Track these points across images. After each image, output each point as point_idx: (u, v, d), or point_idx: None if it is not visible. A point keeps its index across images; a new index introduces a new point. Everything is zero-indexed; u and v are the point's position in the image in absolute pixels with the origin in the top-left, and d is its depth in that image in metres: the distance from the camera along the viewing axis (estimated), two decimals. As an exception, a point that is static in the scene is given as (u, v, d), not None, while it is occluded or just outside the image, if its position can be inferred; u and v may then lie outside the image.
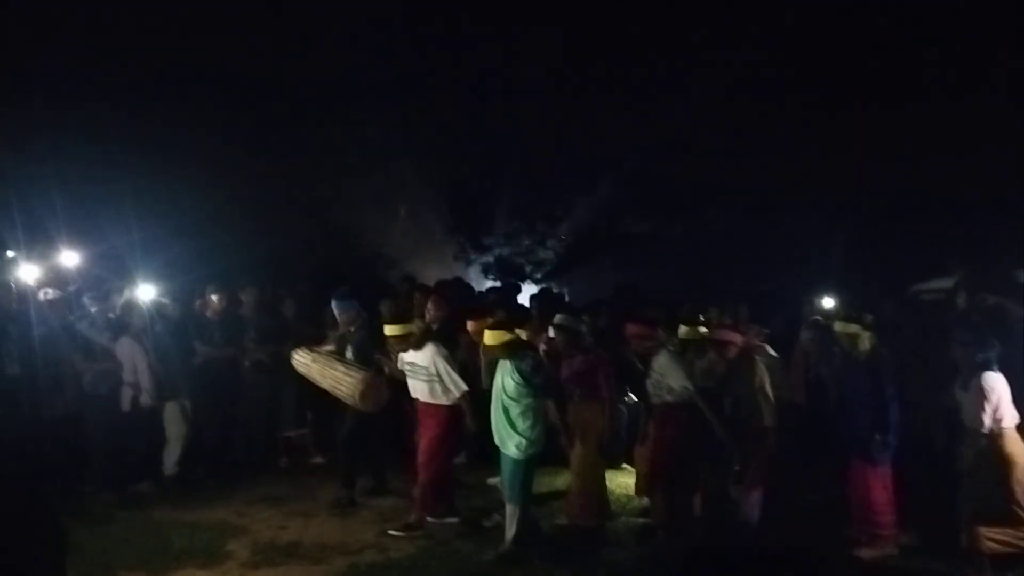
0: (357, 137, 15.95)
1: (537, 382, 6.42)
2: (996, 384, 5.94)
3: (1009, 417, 5.95)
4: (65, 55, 12.97)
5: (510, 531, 6.48)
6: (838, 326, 6.98)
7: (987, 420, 5.92)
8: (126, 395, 8.19)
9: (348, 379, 7.54)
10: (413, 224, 17.78)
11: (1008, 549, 5.88)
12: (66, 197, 11.52)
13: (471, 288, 13.14)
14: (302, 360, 8.07)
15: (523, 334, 6.86)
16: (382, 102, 15.47)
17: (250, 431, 9.33)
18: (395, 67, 15.38)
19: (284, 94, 14.84)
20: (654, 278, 14.37)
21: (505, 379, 6.50)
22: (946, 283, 8.48)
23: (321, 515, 7.64)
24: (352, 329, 8.11)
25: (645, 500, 7.48)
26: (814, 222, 14.08)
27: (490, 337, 6.55)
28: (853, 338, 6.73)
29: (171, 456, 8.62)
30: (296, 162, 15.54)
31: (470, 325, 7.99)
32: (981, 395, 5.94)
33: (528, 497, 6.58)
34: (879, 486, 6.50)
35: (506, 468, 6.55)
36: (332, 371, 7.76)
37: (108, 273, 9.48)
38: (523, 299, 12.81)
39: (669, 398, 6.77)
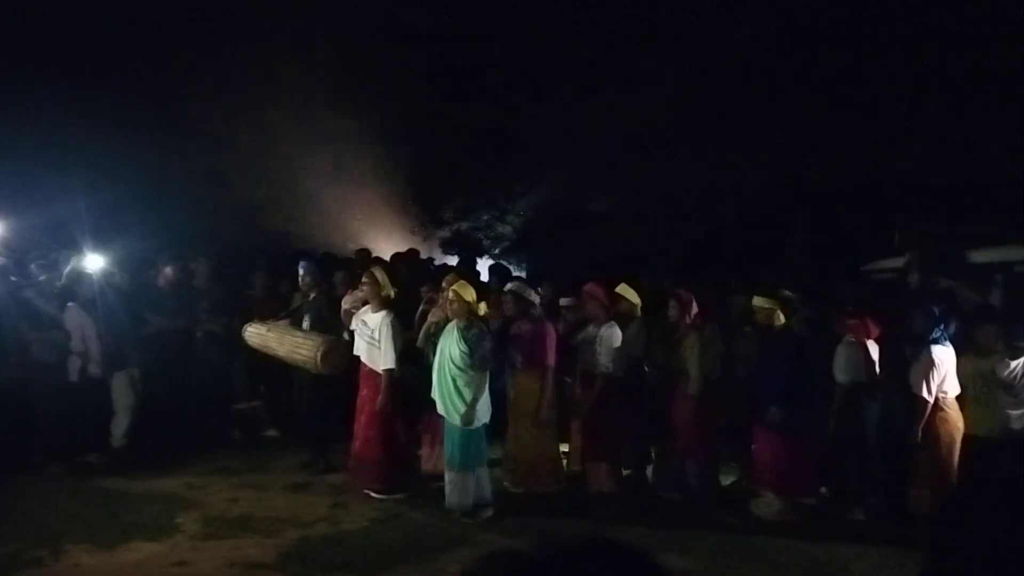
0: (313, 108, 15.71)
1: (480, 353, 6.61)
2: (945, 357, 6.36)
3: (952, 389, 6.41)
4: (6, 25, 12.58)
5: (454, 499, 6.68)
6: (756, 300, 7.21)
7: (932, 390, 6.34)
8: (74, 365, 8.04)
9: (309, 342, 7.53)
10: (372, 197, 17.63)
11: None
12: (9, 165, 11.24)
13: (426, 260, 13.04)
14: (255, 332, 8.03)
15: (482, 308, 6.93)
16: (339, 72, 15.25)
17: (202, 403, 9.19)
18: (353, 36, 15.17)
19: (241, 63, 14.58)
20: (613, 255, 14.40)
21: (451, 346, 6.66)
22: (898, 263, 8.58)
23: (274, 488, 7.57)
24: (311, 296, 8.12)
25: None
26: (775, 201, 14.20)
27: (461, 288, 6.70)
28: (769, 312, 7.04)
29: (120, 427, 8.50)
30: (252, 131, 15.30)
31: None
32: (929, 366, 6.34)
33: (477, 464, 6.74)
34: (781, 451, 6.87)
35: (452, 437, 6.72)
36: (290, 337, 7.74)
37: (55, 242, 9.26)
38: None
39: (607, 369, 6.97)
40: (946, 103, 12.30)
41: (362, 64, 15.44)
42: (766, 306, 7.09)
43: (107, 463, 8.13)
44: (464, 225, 17.84)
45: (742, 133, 14.44)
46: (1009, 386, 6.38)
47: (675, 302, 7.32)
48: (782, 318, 7.03)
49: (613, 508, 6.94)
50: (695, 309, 7.28)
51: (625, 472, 7.86)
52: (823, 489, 7.46)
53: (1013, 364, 6.36)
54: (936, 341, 6.41)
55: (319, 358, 7.35)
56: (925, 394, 6.38)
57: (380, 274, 7.29)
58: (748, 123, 14.32)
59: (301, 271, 8.26)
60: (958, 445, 6.45)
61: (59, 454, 7.88)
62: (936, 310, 6.58)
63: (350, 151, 16.48)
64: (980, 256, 7.87)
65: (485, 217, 17.82)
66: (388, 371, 7.08)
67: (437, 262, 14.17)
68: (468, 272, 10.58)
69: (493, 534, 6.45)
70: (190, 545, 6.14)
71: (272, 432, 9.42)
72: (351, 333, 7.53)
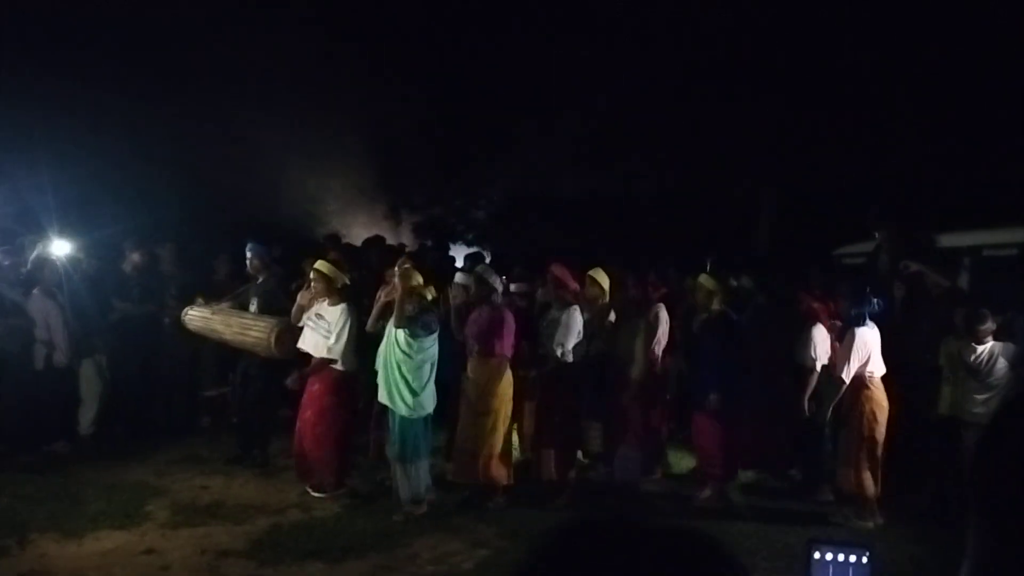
0: (283, 91, 15.56)
1: (421, 321, 6.47)
2: (866, 338, 6.51)
3: (878, 369, 6.59)
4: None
5: (404, 491, 6.52)
6: (702, 278, 7.26)
7: (852, 370, 6.50)
8: (39, 353, 7.92)
9: (261, 323, 7.31)
10: (343, 182, 17.52)
11: (863, 491, 6.60)
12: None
13: (394, 247, 12.93)
14: (198, 315, 7.80)
15: (430, 292, 6.82)
16: (310, 58, 15.11)
17: (170, 390, 9.12)
18: (324, 22, 15.03)
19: (210, 50, 14.39)
20: (587, 241, 14.41)
21: (396, 330, 6.52)
22: (870, 247, 8.63)
23: (243, 475, 7.52)
24: (260, 279, 7.88)
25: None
26: (746, 186, 14.25)
27: (404, 274, 6.60)
28: (709, 294, 7.08)
29: (87, 415, 8.42)
30: (220, 118, 15.11)
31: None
32: (850, 348, 6.49)
33: (417, 456, 6.58)
34: (714, 435, 6.99)
35: (396, 426, 6.56)
36: (238, 319, 7.52)
37: (20, 227, 9.10)
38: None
39: (562, 354, 6.97)
40: (919, 88, 12.36)
41: (334, 50, 15.30)
42: (709, 287, 7.11)
43: (74, 451, 8.05)
44: (437, 210, 17.77)
45: (714, 118, 14.46)
46: (975, 371, 6.47)
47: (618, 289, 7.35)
48: (718, 304, 7.08)
49: (566, 495, 7.00)
50: (634, 293, 7.37)
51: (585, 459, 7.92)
52: (792, 471, 7.64)
53: (980, 349, 6.44)
54: (857, 323, 6.55)
55: (273, 339, 7.12)
56: (844, 375, 6.52)
57: (327, 268, 7.02)
58: (720, 108, 14.34)
59: (249, 254, 7.94)
60: (884, 423, 6.59)
61: (25, 443, 7.77)
62: (851, 293, 6.76)
63: (322, 137, 16.35)
64: (950, 240, 7.92)
65: (458, 202, 17.76)
66: (325, 361, 6.88)
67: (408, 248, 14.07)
68: (441, 258, 10.57)
69: (467, 519, 6.47)
70: (159, 533, 6.08)
71: (242, 419, 9.37)
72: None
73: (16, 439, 7.76)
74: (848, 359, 6.48)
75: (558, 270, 7.22)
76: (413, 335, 6.46)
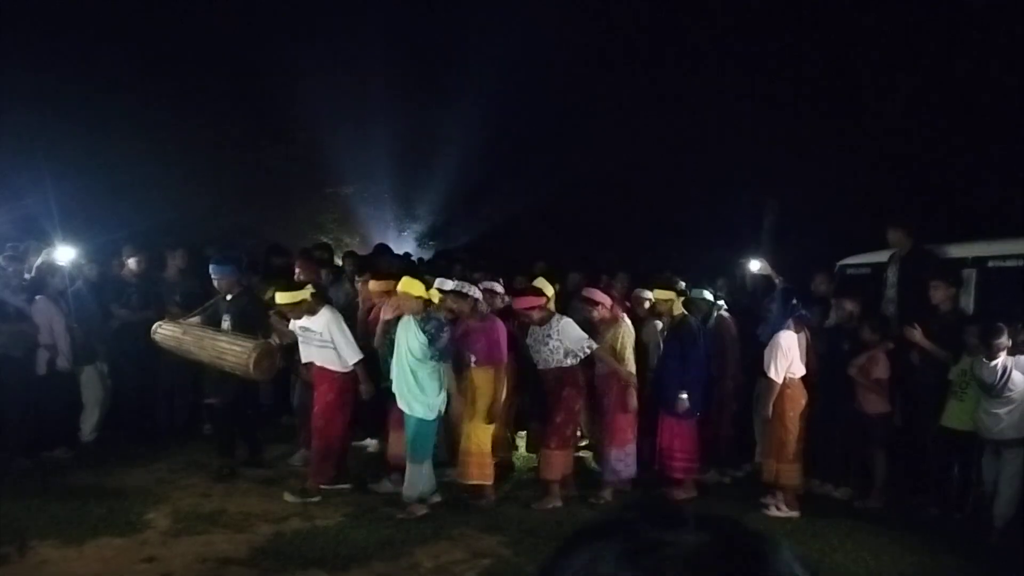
0: (284, 101, 15.56)
1: (439, 345, 6.60)
2: (790, 342, 6.90)
3: (798, 370, 6.99)
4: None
5: (410, 490, 6.66)
6: (656, 293, 7.52)
7: (779, 371, 6.87)
8: (42, 358, 7.89)
9: (236, 348, 7.08)
10: (346, 190, 17.51)
11: (783, 483, 7.04)
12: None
13: (400, 256, 12.92)
14: (169, 333, 7.62)
15: (435, 297, 6.87)
16: (312, 67, 15.12)
17: (172, 396, 9.09)
18: (327, 30, 15.05)
19: (211, 56, 14.40)
20: (583, 250, 14.37)
21: (410, 339, 6.65)
22: (875, 258, 8.60)
23: (245, 483, 7.48)
24: (230, 297, 7.59)
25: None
26: (747, 193, 14.20)
27: (406, 284, 6.67)
28: (668, 303, 7.39)
29: (89, 421, 8.40)
30: (221, 124, 15.11)
31: (372, 284, 7.80)
32: (775, 351, 6.87)
33: (425, 457, 6.76)
34: (681, 436, 7.27)
35: (410, 429, 6.70)
36: (213, 342, 7.28)
37: (23, 233, 9.09)
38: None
39: (568, 361, 7.04)
40: (925, 96, 12.36)
41: (335, 58, 15.32)
42: (664, 297, 7.40)
43: (75, 458, 8.02)
44: (439, 220, 17.76)
45: (717, 126, 14.46)
46: (989, 387, 6.35)
47: (588, 303, 7.43)
48: (679, 308, 7.36)
49: (561, 495, 7.14)
50: (609, 303, 7.46)
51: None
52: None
53: (993, 364, 6.32)
54: (783, 328, 6.94)
55: (252, 364, 6.92)
56: (774, 375, 6.88)
57: (285, 297, 7.05)
58: (723, 117, 14.34)
59: (214, 276, 7.64)
60: (800, 420, 6.96)
61: (26, 449, 7.74)
62: (774, 305, 7.27)
63: (323, 144, 16.34)
64: (956, 251, 7.88)
65: (460, 211, 17.73)
66: (359, 363, 7.08)
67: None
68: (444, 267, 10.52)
69: (469, 528, 6.43)
70: (160, 541, 6.04)
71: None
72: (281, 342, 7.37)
73: (17, 444, 7.72)
74: (776, 362, 6.86)
75: (518, 303, 7.29)
76: (431, 340, 6.58)
